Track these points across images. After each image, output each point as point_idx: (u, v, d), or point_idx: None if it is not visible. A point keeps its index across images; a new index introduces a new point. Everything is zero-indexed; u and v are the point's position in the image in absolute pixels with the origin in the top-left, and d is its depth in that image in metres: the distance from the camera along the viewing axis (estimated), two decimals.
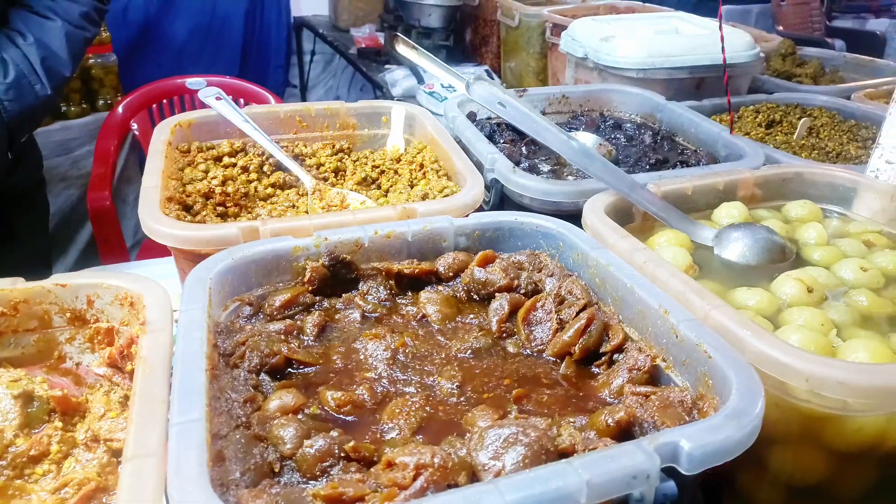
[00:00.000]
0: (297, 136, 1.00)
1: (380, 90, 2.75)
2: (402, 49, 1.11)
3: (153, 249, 2.19)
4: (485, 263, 0.65)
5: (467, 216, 0.71)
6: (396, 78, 2.71)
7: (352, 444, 0.43)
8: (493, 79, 2.72)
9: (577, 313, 0.59)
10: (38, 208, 1.32)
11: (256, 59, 3.72)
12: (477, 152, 0.90)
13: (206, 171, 0.85)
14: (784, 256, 0.72)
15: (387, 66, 2.92)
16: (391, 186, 0.93)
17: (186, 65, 3.37)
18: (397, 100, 2.33)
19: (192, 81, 2.45)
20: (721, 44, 0.93)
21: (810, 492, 0.53)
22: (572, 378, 0.55)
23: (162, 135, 0.84)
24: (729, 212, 0.78)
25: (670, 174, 0.83)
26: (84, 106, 2.21)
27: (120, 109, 2.19)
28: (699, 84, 1.28)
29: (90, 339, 0.56)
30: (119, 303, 0.54)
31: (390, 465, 0.40)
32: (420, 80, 2.71)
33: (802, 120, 1.12)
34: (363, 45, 3.24)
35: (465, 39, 3.08)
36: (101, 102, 2.28)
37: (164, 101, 2.40)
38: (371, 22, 3.43)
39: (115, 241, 1.93)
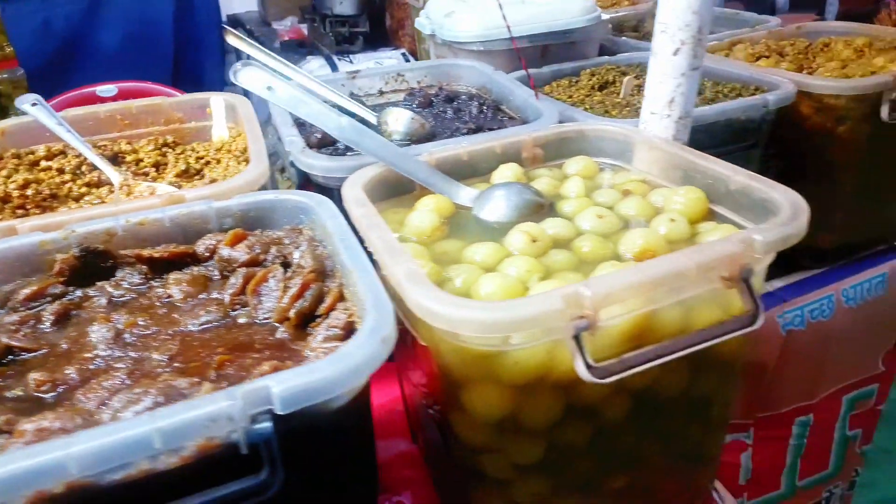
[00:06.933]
0: (122, 133, 1.03)
1: None
2: (232, 41, 1.14)
3: None
4: (236, 242, 0.69)
5: (231, 199, 0.74)
6: (312, 69, 2.73)
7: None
8: (408, 61, 2.74)
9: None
10: None
11: (191, 59, 3.70)
12: (281, 136, 0.93)
13: (8, 177, 0.87)
14: (542, 211, 0.76)
15: (308, 58, 2.93)
16: (217, 177, 0.96)
17: (119, 72, 3.34)
18: None
19: (102, 89, 2.45)
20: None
21: (503, 425, 0.57)
22: (288, 342, 0.59)
23: None
24: (503, 173, 0.82)
25: (448, 142, 0.86)
26: None
27: None
28: (544, 52, 1.31)
29: None
30: None
31: (21, 433, 0.43)
32: (334, 68, 2.73)
33: (626, 79, 1.15)
34: (286, 38, 3.24)
35: (385, 24, 3.09)
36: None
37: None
38: (294, 14, 3.43)
39: None
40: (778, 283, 1.19)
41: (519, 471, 0.61)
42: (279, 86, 0.80)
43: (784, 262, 1.24)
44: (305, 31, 3.26)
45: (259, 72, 0.80)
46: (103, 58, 3.25)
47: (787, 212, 0.59)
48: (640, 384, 0.60)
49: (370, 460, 0.58)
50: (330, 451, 0.50)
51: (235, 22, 3.73)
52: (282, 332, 0.60)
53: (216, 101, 1.03)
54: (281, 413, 0.42)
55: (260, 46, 1.12)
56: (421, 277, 0.54)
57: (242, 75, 0.80)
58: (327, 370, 0.43)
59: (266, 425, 0.42)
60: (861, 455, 1.53)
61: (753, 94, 1.07)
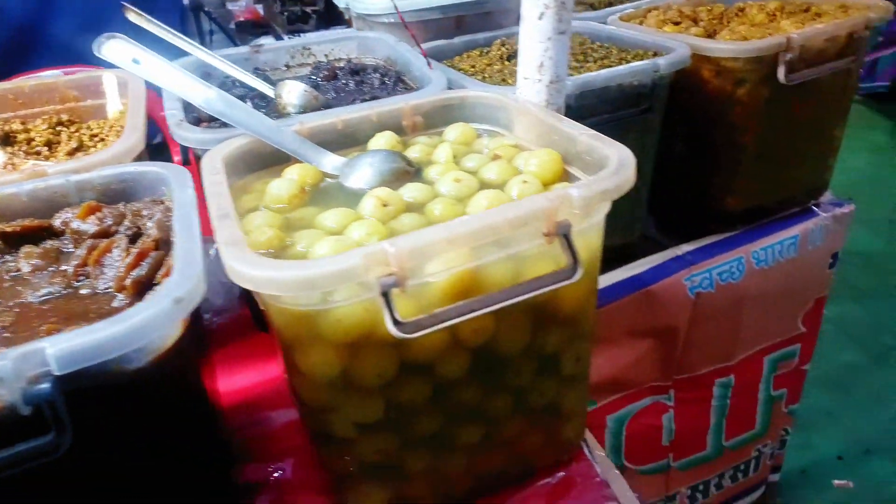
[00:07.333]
0: (17, 113, 1.02)
1: None
2: (133, 17, 1.13)
3: None
4: (88, 214, 0.69)
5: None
6: None
7: None
8: None
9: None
10: None
11: (151, 45, 3.65)
12: (165, 109, 0.93)
13: None
14: (408, 178, 0.76)
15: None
16: None
17: (77, 58, 3.29)
18: None
19: (45, 75, 2.42)
20: None
21: (337, 384, 0.58)
22: (126, 309, 0.59)
23: None
24: (377, 142, 0.82)
25: (324, 113, 0.86)
26: None
27: None
28: (459, 23, 1.31)
29: None
30: None
31: None
32: None
33: None
34: (241, 19, 3.21)
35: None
36: None
37: None
38: None
39: None
40: (686, 247, 1.21)
41: (361, 429, 0.62)
42: (146, 59, 0.80)
43: (694, 226, 1.26)
44: (261, 12, 3.23)
45: (124, 44, 0.79)
46: (60, 44, 3.19)
47: (612, 167, 0.60)
48: (477, 340, 0.61)
49: (206, 428, 0.59)
50: (137, 416, 0.50)
51: (197, 5, 3.68)
52: (120, 301, 0.60)
53: (108, 78, 1.03)
54: (59, 374, 0.43)
55: (161, 24, 1.11)
56: (238, 241, 0.54)
57: (106, 48, 0.79)
58: (106, 330, 0.44)
59: (44, 386, 0.43)
60: (789, 414, 1.56)
61: None
